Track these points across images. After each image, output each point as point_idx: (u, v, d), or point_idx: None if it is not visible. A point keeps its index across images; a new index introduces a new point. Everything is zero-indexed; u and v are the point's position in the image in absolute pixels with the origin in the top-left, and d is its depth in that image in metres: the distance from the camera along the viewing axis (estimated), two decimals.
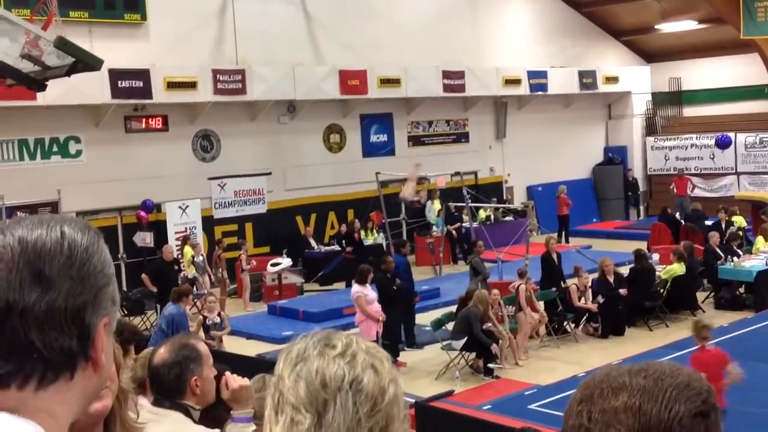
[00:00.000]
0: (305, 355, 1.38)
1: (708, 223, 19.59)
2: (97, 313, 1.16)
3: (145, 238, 18.00)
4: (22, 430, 1.08)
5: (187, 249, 17.36)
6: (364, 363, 1.37)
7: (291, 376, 1.36)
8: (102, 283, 1.17)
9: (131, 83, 17.55)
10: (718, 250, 16.09)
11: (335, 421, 1.32)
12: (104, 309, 1.17)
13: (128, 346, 4.92)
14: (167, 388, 3.05)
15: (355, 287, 12.37)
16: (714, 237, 16.54)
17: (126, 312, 15.51)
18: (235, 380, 3.13)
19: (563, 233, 22.55)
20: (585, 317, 14.29)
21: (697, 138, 26.67)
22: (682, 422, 1.22)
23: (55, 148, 17.70)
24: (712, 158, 26.17)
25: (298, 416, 1.33)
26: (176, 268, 15.36)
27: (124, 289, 17.34)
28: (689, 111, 28.62)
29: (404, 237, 22.47)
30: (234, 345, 13.23)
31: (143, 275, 15.56)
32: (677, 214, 21.78)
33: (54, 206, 16.31)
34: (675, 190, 24.06)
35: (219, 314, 12.29)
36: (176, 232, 18.25)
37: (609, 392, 1.26)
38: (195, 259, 16.65)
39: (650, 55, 29.01)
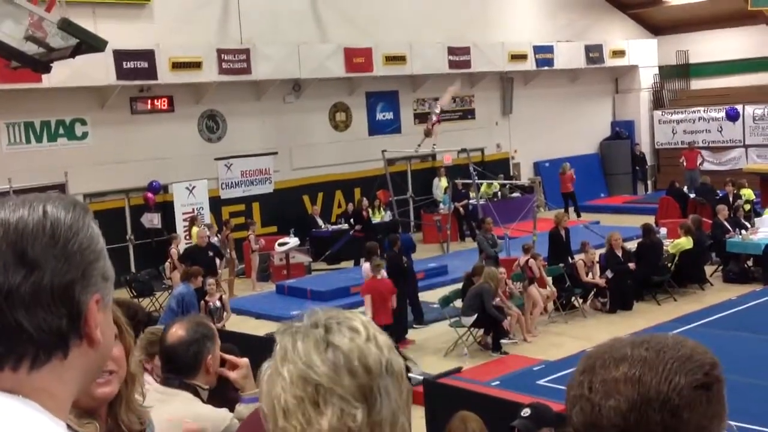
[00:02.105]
0: (333, 341, 1.33)
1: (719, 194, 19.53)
2: (86, 289, 1.15)
3: (152, 220, 18.04)
4: (20, 411, 1.08)
5: (195, 230, 17.38)
6: (386, 344, 1.37)
7: (326, 363, 1.32)
8: (90, 259, 1.16)
9: (136, 64, 17.52)
10: (726, 224, 16.05)
11: (384, 407, 1.31)
12: (94, 285, 1.16)
13: (140, 331, 4.94)
14: (183, 366, 3.05)
15: (366, 265, 12.39)
16: (723, 211, 16.49)
17: (135, 293, 15.58)
18: (227, 373, 3.09)
19: (570, 209, 22.46)
20: (593, 292, 14.29)
21: (704, 111, 26.51)
22: (682, 394, 1.21)
23: (61, 131, 17.72)
24: (720, 131, 26.03)
25: (349, 408, 1.29)
26: (210, 254, 14.85)
27: (133, 270, 17.42)
28: (697, 84, 28.43)
29: (411, 214, 22.51)
30: (243, 325, 13.28)
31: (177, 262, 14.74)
32: (685, 188, 21.70)
33: (61, 188, 16.35)
34: (685, 164, 23.95)
35: (220, 298, 12.32)
36: (183, 213, 18.27)
37: (610, 363, 1.26)
38: (210, 239, 16.55)
39: (657, 27, 28.78)
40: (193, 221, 17.56)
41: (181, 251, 15.75)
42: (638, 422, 1.21)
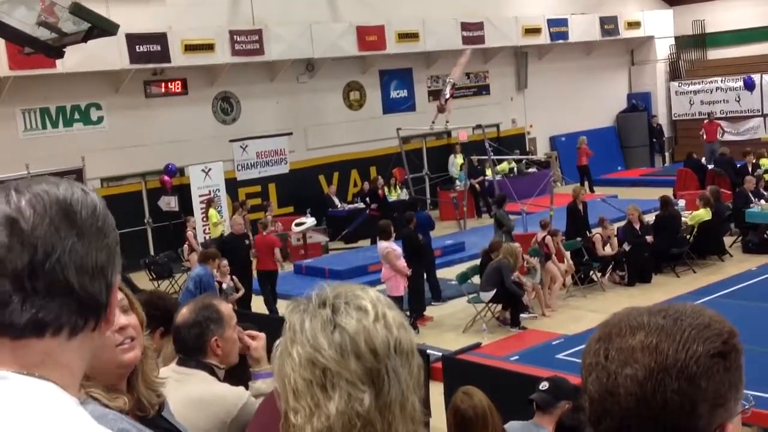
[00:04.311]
0: (340, 322, 1.33)
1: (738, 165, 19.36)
2: (115, 269, 1.19)
3: (169, 203, 18.11)
4: (43, 393, 1.09)
5: (212, 212, 17.45)
6: (395, 322, 1.35)
7: (332, 346, 1.31)
8: (116, 241, 1.20)
9: (149, 47, 17.53)
10: (751, 195, 15.91)
11: (392, 389, 1.31)
12: (118, 265, 1.20)
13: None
14: (188, 347, 3.08)
15: (382, 243, 12.40)
16: (750, 182, 16.33)
17: (154, 276, 15.68)
18: (249, 341, 3.15)
19: (586, 183, 22.36)
20: (611, 266, 14.24)
21: (722, 81, 26.22)
22: (699, 362, 1.20)
23: (76, 116, 17.79)
24: (738, 101, 25.76)
25: (356, 392, 1.29)
26: (246, 242, 14.29)
27: (152, 253, 17.53)
28: (713, 54, 28.09)
29: (427, 192, 22.46)
30: (261, 305, 13.36)
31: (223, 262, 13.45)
32: (703, 160, 21.50)
33: (78, 173, 16.41)
34: (705, 137, 23.73)
35: (231, 278, 12.37)
36: (200, 196, 18.33)
37: (627, 331, 1.25)
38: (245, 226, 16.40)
39: None
40: (209, 203, 17.62)
41: (203, 236, 15.67)
42: (655, 390, 1.20)
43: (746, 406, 1.28)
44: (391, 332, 1.33)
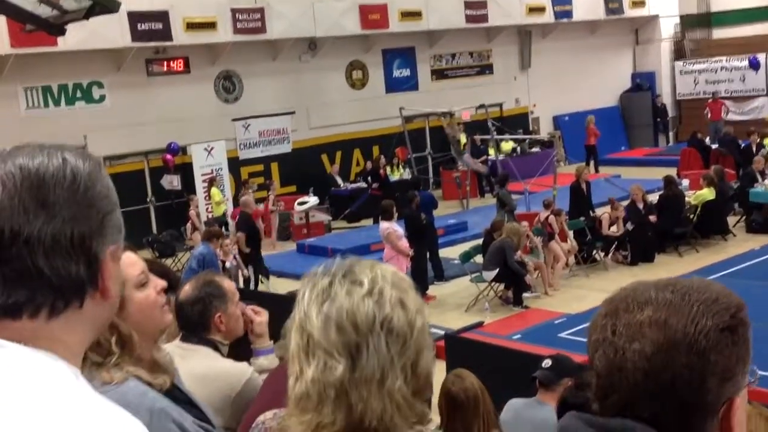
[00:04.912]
0: (332, 293, 1.35)
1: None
2: (103, 240, 1.15)
3: (172, 181, 18.11)
4: (39, 361, 1.08)
5: (214, 191, 17.44)
6: (392, 299, 1.35)
7: (319, 316, 1.33)
8: (107, 209, 1.16)
9: (150, 25, 17.47)
10: (759, 175, 15.84)
11: (369, 363, 1.31)
12: (110, 236, 1.16)
13: (171, 294, 5.00)
14: (191, 323, 3.08)
15: (384, 224, 12.39)
16: (758, 162, 16.23)
17: (157, 254, 15.70)
18: (252, 315, 3.18)
19: (591, 163, 22.32)
20: (614, 245, 14.23)
21: (727, 60, 26.07)
22: (709, 336, 1.20)
23: (78, 94, 17.75)
24: (743, 80, 25.63)
25: (332, 361, 1.31)
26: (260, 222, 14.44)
27: (154, 231, 17.55)
28: (719, 33, 27.89)
29: (430, 171, 22.43)
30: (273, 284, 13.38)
31: (239, 234, 13.15)
32: (707, 140, 21.42)
33: None
34: (709, 116, 23.63)
35: (234, 257, 12.39)
36: (202, 174, 18.31)
37: (634, 306, 1.24)
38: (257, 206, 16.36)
39: None
40: (212, 182, 17.61)
41: (206, 215, 15.68)
42: (664, 365, 1.19)
43: (752, 380, 1.28)
44: (382, 309, 1.33)
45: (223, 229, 14.72)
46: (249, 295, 6.22)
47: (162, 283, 2.36)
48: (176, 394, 2.20)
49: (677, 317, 1.21)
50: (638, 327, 1.22)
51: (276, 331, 3.12)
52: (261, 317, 3.17)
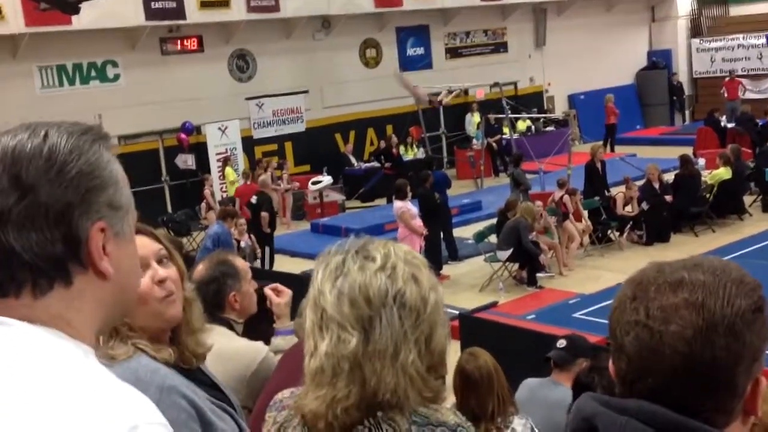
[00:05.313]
0: (345, 269, 1.36)
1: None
2: (87, 216, 1.12)
3: (186, 161, 18.14)
4: (42, 337, 1.08)
5: (229, 170, 17.46)
6: (404, 275, 1.36)
7: (332, 291, 1.35)
8: (92, 185, 1.13)
9: (164, 4, 17.44)
10: None
11: (383, 337, 1.32)
12: (97, 213, 1.13)
13: None
14: (206, 303, 3.07)
15: (397, 203, 12.37)
16: None
17: (172, 233, 15.75)
18: (272, 296, 3.17)
19: (608, 142, 22.18)
20: (629, 225, 14.17)
21: (744, 38, 25.79)
22: (745, 317, 1.20)
23: (93, 73, 17.76)
24: (760, 59, 25.35)
25: (345, 334, 1.33)
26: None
27: (169, 210, 17.60)
28: (736, 10, 27.55)
29: (444, 151, 22.36)
30: (279, 263, 13.42)
31: (263, 213, 13.32)
32: (723, 118, 21.23)
33: None
34: (726, 95, 23.41)
35: (249, 236, 12.42)
36: (217, 154, 18.34)
37: (666, 288, 1.23)
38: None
39: None
40: (226, 161, 17.63)
41: (220, 194, 15.69)
42: (704, 347, 1.18)
43: None
44: (394, 283, 1.35)
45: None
46: (265, 275, 6.24)
47: (164, 274, 2.16)
48: (198, 376, 2.20)
49: (713, 299, 1.20)
50: (674, 309, 1.20)
51: (292, 309, 3.14)
52: (282, 298, 3.17)
